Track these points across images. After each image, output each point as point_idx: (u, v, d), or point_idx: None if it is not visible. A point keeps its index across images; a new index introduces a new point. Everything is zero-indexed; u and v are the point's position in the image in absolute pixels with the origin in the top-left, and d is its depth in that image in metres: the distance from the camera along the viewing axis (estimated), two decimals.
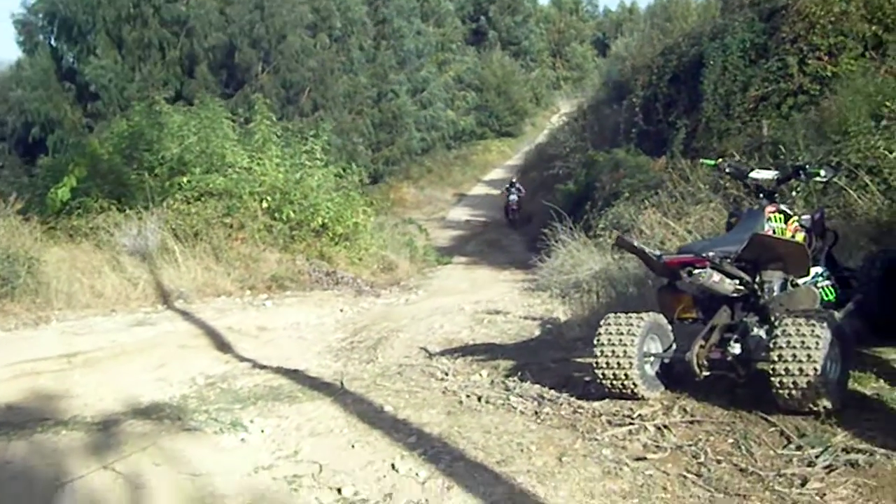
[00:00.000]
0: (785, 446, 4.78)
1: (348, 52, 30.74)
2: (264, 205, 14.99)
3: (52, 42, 28.27)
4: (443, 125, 37.64)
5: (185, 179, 14.81)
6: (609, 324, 5.85)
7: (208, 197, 14.63)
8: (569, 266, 11.50)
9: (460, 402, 6.16)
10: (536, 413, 5.75)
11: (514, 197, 29.05)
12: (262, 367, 7.99)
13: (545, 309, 9.98)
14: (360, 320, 11.10)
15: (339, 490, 4.75)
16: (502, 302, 11.04)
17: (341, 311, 12.12)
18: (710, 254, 5.54)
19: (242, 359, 8.48)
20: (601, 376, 5.75)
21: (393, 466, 4.94)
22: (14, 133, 27.66)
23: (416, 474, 4.81)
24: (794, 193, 8.93)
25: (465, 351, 7.88)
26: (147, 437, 5.55)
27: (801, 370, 4.88)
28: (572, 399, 5.95)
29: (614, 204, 13.07)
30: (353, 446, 5.35)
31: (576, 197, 18.48)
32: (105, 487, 4.78)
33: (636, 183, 14.33)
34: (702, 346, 5.51)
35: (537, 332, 8.61)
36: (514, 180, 30.06)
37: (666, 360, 5.91)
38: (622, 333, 5.73)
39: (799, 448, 4.70)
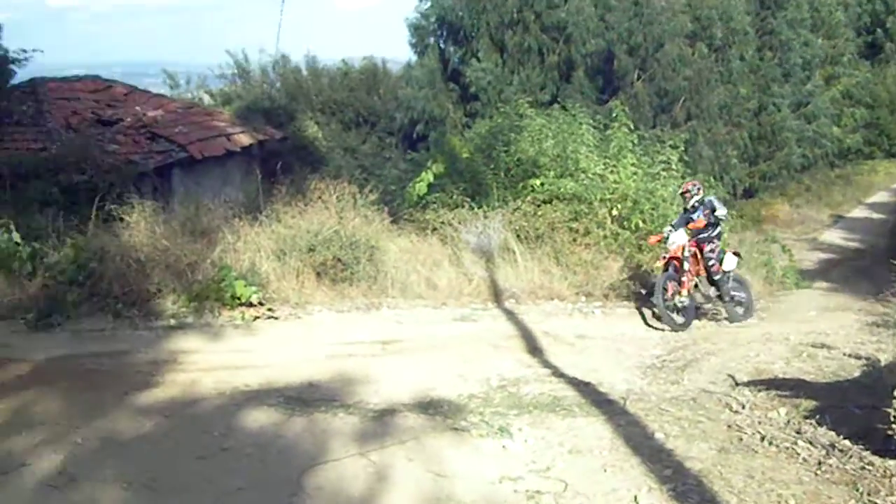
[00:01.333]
0: None
1: (727, 62, 29.64)
2: (613, 212, 14.81)
3: (441, 45, 30.25)
4: (826, 142, 35.16)
5: (538, 182, 14.99)
6: None
7: (557, 201, 14.71)
8: None
9: (740, 440, 5.73)
10: (819, 463, 5.22)
11: (680, 238, 12.16)
12: (560, 375, 7.91)
13: (876, 348, 8.98)
14: (684, 338, 10.66)
15: None
16: (835, 335, 10.06)
17: None
18: None
19: (546, 364, 8.45)
20: None
21: (635, 499, 4.68)
22: (401, 129, 29.83)
23: None
24: None
25: (772, 384, 7.32)
26: (412, 431, 5.70)
27: None
28: (866, 453, 5.33)
29: None
30: (605, 470, 5.16)
31: None
32: (353, 474, 4.97)
33: None
34: None
35: (856, 374, 7.77)
36: (690, 187, 12.75)
37: None
38: None
39: None
